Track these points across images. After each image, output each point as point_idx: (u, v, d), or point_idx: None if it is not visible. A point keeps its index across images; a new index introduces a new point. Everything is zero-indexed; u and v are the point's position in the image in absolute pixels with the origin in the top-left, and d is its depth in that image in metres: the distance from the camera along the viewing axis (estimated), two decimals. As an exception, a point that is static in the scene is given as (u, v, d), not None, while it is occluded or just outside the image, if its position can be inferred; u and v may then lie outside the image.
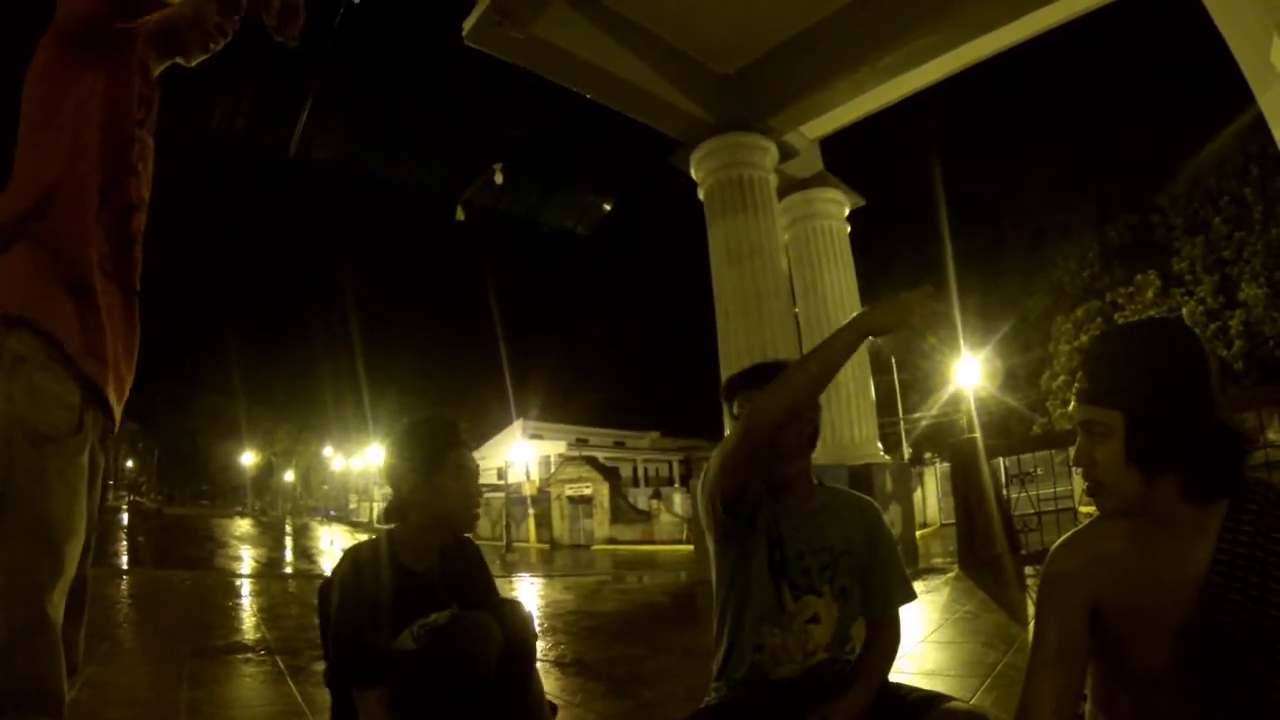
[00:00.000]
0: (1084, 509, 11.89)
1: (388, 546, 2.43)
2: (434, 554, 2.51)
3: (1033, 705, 1.57)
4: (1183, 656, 1.47)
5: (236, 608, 7.89)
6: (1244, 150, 24.81)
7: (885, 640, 2.22)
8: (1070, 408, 1.79)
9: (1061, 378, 27.85)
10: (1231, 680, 1.42)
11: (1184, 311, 24.47)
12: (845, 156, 13.00)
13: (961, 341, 23.81)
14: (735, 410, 2.32)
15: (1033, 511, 8.66)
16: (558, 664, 4.83)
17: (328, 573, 2.51)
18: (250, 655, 5.07)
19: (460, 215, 12.64)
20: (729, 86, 11.11)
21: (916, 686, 2.14)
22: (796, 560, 2.17)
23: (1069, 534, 1.69)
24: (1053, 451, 9.91)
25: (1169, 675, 1.50)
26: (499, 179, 12.02)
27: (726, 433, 2.24)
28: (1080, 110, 53.66)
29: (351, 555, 2.40)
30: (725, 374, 10.97)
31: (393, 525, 2.51)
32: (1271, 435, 13.88)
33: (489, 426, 52.59)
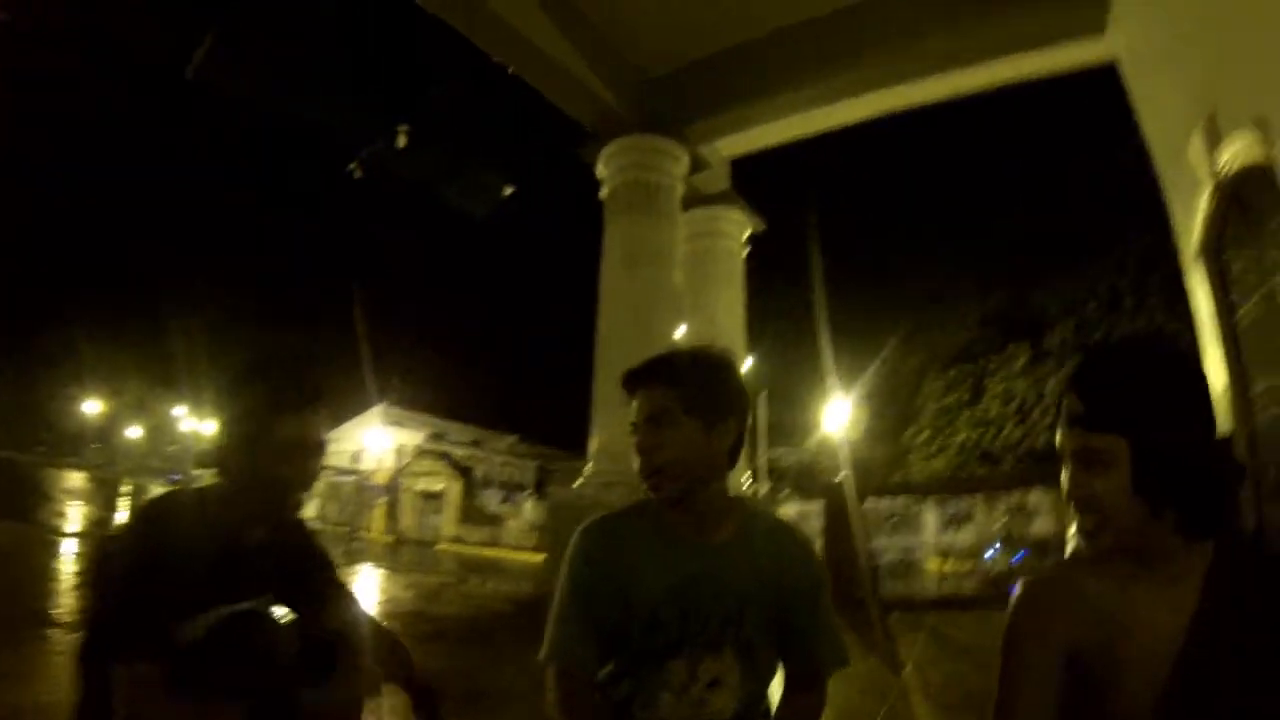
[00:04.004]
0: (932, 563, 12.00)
1: (204, 504, 1.89)
2: (264, 525, 1.97)
3: None
4: (1165, 708, 1.33)
5: (53, 570, 7.16)
6: (1124, 243, 26.30)
7: (801, 708, 1.81)
8: (1058, 437, 1.42)
9: (926, 432, 28.74)
10: None
11: (1048, 386, 25.60)
12: (746, 182, 12.96)
13: (833, 384, 24.17)
14: (635, 410, 1.84)
15: (899, 559, 8.65)
16: (391, 672, 4.36)
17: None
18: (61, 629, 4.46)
19: (357, 172, 11.96)
20: (653, 88, 10.90)
21: None
22: (694, 617, 1.73)
23: (1036, 576, 1.51)
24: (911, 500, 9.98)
25: None
26: (402, 141, 11.44)
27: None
28: (979, 180, 55.98)
29: (157, 505, 1.86)
30: (601, 382, 10.65)
31: (213, 478, 1.95)
32: None
33: (347, 406, 51.11)
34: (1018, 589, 1.48)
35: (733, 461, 1.83)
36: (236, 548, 1.87)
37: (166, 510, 1.85)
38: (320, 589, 2.09)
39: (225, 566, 1.81)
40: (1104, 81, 8.95)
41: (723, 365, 1.88)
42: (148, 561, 1.72)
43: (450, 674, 4.47)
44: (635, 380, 1.85)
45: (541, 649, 1.75)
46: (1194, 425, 1.32)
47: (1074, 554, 1.45)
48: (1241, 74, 5.64)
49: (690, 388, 1.79)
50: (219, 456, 1.93)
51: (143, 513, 1.87)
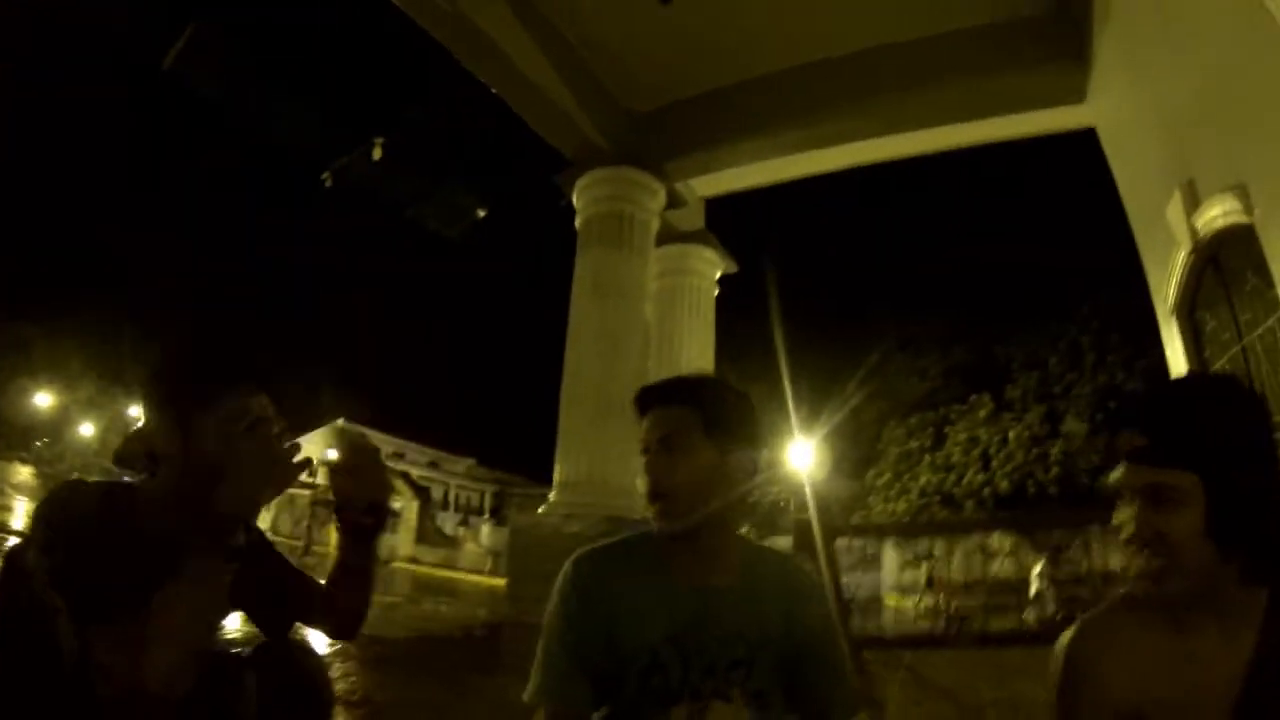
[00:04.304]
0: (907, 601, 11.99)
1: (127, 501, 1.56)
2: (204, 530, 1.65)
3: None
4: None
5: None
6: (1089, 301, 27.22)
7: None
8: (1114, 473, 1.29)
9: (887, 475, 29.02)
10: None
11: (1011, 435, 25.98)
12: (720, 222, 12.99)
13: (794, 425, 24.19)
14: (646, 430, 1.68)
15: (869, 595, 8.66)
16: (345, 701, 4.05)
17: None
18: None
19: (329, 181, 11.78)
20: (635, 123, 10.92)
21: None
22: (697, 657, 1.58)
23: (1089, 621, 1.40)
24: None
25: None
26: (377, 154, 11.29)
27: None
28: (947, 233, 56.74)
29: (72, 497, 1.55)
30: (568, 412, 10.52)
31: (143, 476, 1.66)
32: (1074, 554, 14.55)
33: (306, 420, 50.30)
34: (1068, 635, 1.40)
35: (744, 497, 1.70)
36: (169, 556, 1.56)
37: (82, 502, 1.54)
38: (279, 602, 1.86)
39: (152, 579, 1.52)
40: (1081, 144, 9.12)
41: (743, 394, 1.75)
42: (57, 576, 1.43)
43: (409, 704, 4.29)
44: (650, 399, 1.71)
45: (528, 688, 1.59)
46: (1267, 462, 1.25)
47: (1125, 597, 1.37)
48: (1221, 142, 5.71)
49: (709, 410, 1.66)
50: (149, 449, 1.63)
51: (74, 501, 1.56)
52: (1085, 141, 8.99)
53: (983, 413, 27.65)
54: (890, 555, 10.53)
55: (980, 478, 26.20)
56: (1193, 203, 6.09)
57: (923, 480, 27.71)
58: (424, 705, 4.18)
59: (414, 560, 34.45)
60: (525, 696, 1.59)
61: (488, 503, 55.73)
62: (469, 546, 34.81)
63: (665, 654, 1.57)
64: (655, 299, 12.10)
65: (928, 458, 28.16)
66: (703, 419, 1.64)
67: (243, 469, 1.60)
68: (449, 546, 35.36)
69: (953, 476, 26.91)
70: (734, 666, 1.59)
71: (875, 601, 9.09)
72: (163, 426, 1.59)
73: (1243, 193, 5.36)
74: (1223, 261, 6.28)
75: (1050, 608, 13.50)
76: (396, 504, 37.49)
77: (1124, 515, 1.28)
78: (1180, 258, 6.62)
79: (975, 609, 10.64)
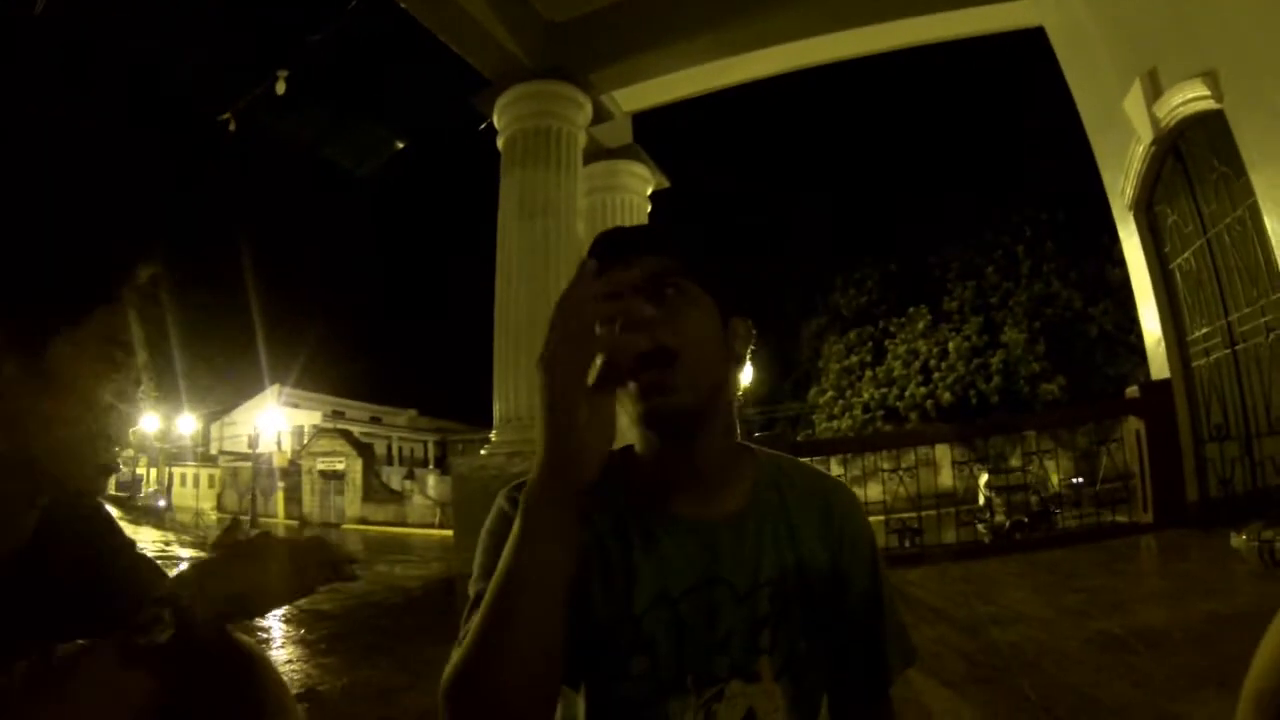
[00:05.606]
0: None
1: None
2: (24, 524, 0.93)
3: None
4: None
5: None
6: (1020, 212, 27.63)
7: None
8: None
9: (830, 393, 29.34)
10: None
11: (951, 346, 26.29)
12: (649, 139, 12.57)
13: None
14: (614, 280, 0.95)
15: None
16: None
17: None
18: None
19: (231, 124, 10.93)
20: (556, 33, 10.33)
21: None
22: (702, 627, 1.02)
23: None
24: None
25: None
26: (281, 88, 10.47)
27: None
28: (880, 143, 56.69)
29: None
30: (501, 343, 10.05)
31: None
32: (1014, 462, 14.60)
33: (243, 387, 49.41)
34: None
35: (736, 392, 1.13)
36: None
37: None
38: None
39: None
40: (1015, 48, 8.82)
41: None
42: None
43: (356, 690, 3.88)
44: (621, 243, 1.08)
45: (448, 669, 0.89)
46: None
47: None
48: (1187, 28, 5.47)
49: (703, 262, 1.08)
50: None
51: None
52: (1020, 45, 8.69)
53: (921, 324, 27.98)
54: (838, 473, 10.30)
55: (922, 390, 26.58)
56: (1154, 92, 5.86)
57: (865, 395, 28.00)
58: (372, 693, 3.76)
59: (363, 520, 34.06)
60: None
61: (432, 453, 55.32)
62: (417, 499, 34.36)
63: (653, 625, 1.02)
64: (586, 217, 11.60)
65: (869, 373, 28.41)
66: (696, 269, 1.07)
67: (81, 443, 0.91)
68: (397, 502, 34.94)
69: (895, 390, 27.26)
70: (755, 628, 1.05)
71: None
72: None
73: (1212, 79, 5.14)
74: (1184, 151, 6.08)
75: (999, 517, 13.52)
76: (339, 464, 36.91)
77: None
78: (1139, 151, 6.43)
79: (928, 522, 10.52)
